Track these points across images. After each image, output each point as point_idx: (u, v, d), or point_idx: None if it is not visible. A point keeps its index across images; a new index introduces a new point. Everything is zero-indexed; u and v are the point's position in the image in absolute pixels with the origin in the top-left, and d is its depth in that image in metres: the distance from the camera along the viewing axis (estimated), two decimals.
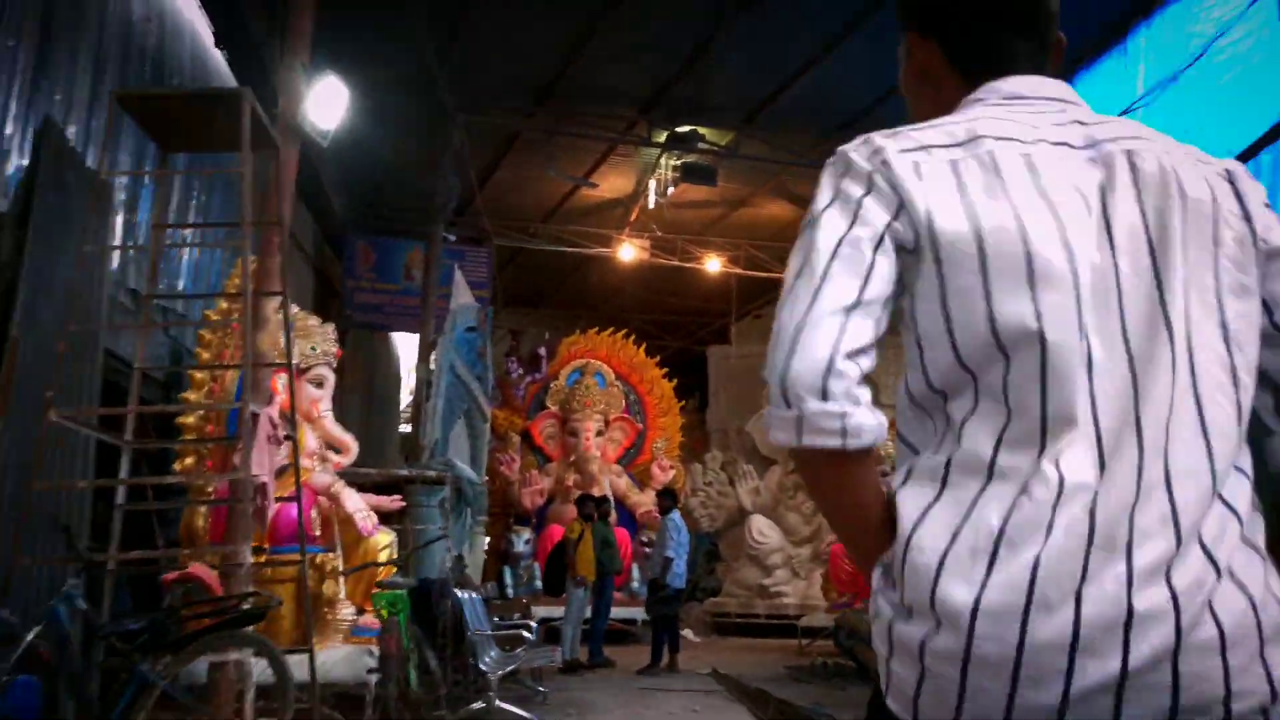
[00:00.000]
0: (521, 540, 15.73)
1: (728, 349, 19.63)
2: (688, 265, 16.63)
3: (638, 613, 14.30)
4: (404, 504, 7.77)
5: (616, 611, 13.20)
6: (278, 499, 6.21)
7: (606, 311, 20.23)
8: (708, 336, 21.57)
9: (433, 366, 10.09)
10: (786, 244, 17.86)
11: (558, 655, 7.52)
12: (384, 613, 5.29)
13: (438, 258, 11.64)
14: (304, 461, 6.99)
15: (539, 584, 15.09)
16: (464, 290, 11.61)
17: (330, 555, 6.40)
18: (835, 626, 10.66)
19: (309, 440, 7.00)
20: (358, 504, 6.57)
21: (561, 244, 16.15)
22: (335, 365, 7.38)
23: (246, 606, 4.28)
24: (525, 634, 8.31)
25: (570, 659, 10.83)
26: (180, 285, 9.07)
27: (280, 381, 7.00)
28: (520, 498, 16.03)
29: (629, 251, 16.10)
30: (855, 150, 1.22)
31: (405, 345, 17.25)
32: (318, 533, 6.65)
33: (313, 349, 7.18)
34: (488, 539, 15.54)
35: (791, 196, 16.11)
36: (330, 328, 7.38)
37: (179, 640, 4.07)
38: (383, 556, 6.90)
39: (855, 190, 1.19)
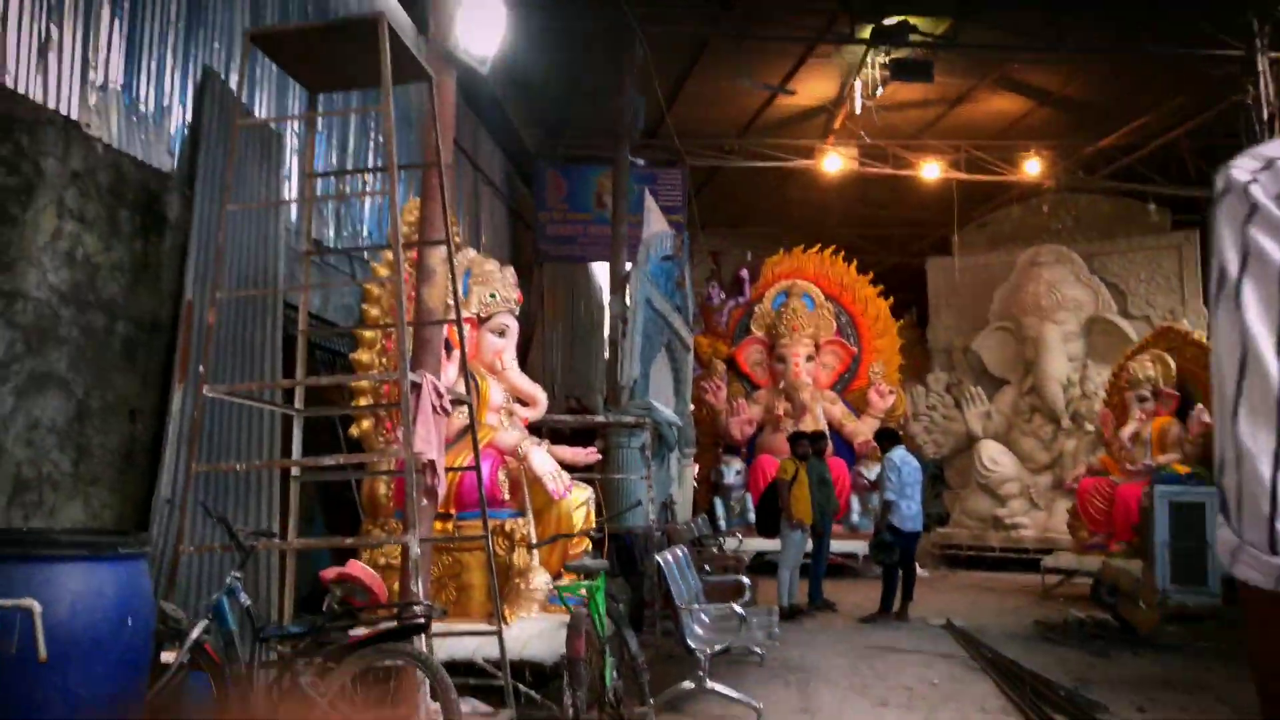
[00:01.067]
0: (732, 471, 15.10)
1: (948, 260, 17.99)
2: (901, 173, 15.12)
3: (859, 546, 13.42)
4: (600, 456, 7.18)
5: (835, 545, 12.37)
6: (454, 469, 5.74)
7: (811, 229, 18.95)
8: (926, 249, 19.90)
9: (628, 301, 9.45)
10: (1013, 141, 16.02)
11: (775, 620, 6.80)
12: (570, 607, 4.70)
13: (625, 184, 10.89)
14: (489, 418, 6.52)
15: (751, 515, 14.40)
16: (657, 217, 10.85)
17: (521, 521, 5.91)
18: (1095, 580, 9.38)
19: (494, 394, 6.50)
20: (547, 465, 6.01)
21: (760, 160, 15.01)
22: (518, 312, 6.82)
23: (412, 617, 3.77)
24: (738, 591, 7.65)
25: (789, 604, 10.14)
26: (365, 233, 8.81)
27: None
28: (729, 427, 15.34)
29: (835, 162, 14.76)
30: (1256, 181, 1.01)
31: (605, 275, 16.82)
32: (506, 496, 6.17)
33: (492, 296, 6.62)
34: (697, 467, 15.05)
35: (1019, 87, 14.25)
36: (510, 272, 6.79)
37: (339, 650, 3.62)
38: (577, 517, 6.35)
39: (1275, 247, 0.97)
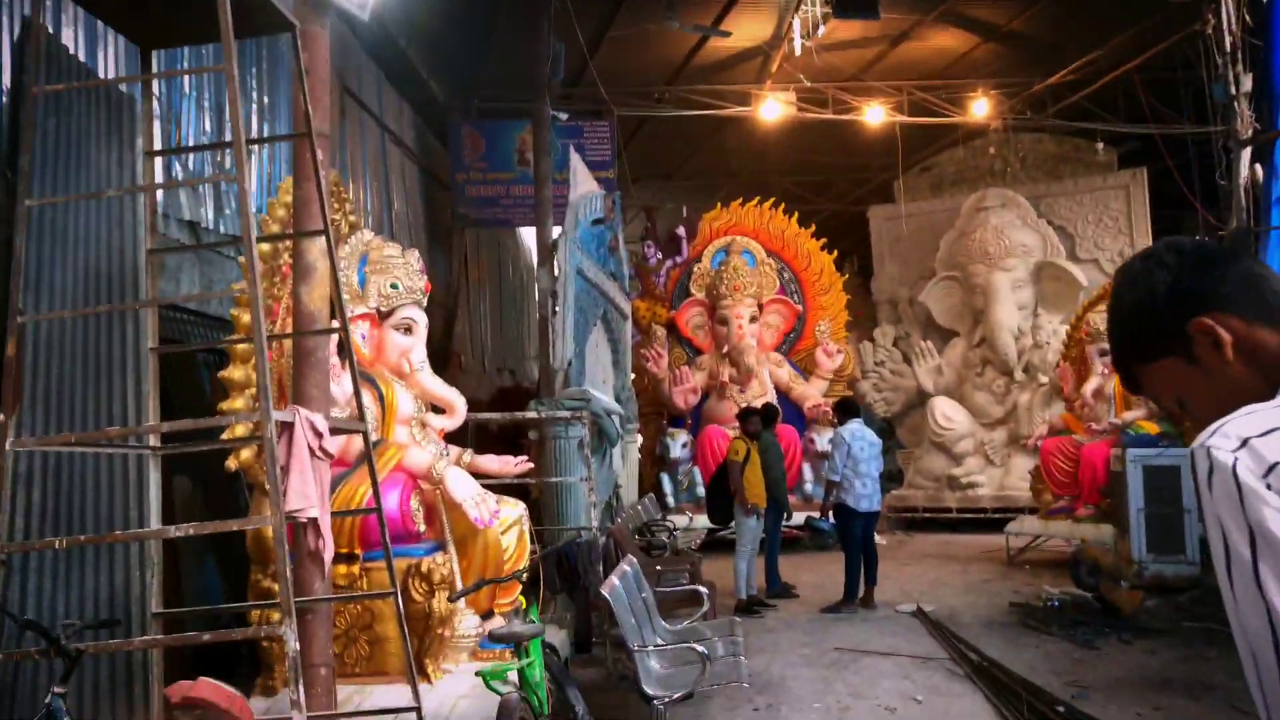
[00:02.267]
0: (678, 444, 14.25)
1: (892, 208, 17.22)
2: (842, 118, 14.22)
3: (810, 514, 12.71)
4: (531, 465, 6.24)
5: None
6: (349, 513, 4.77)
7: (749, 179, 18.04)
8: (868, 196, 19.12)
9: (556, 273, 8.47)
10: (958, 81, 15.20)
11: (738, 632, 6.01)
12: (494, 687, 3.80)
13: (546, 140, 9.79)
14: (398, 432, 5.53)
15: (701, 490, 13.61)
16: (584, 176, 9.82)
17: (440, 558, 4.96)
18: (1074, 560, 8.76)
19: (402, 403, 5.51)
20: (467, 488, 5.05)
21: (692, 107, 13.95)
22: (426, 303, 5.80)
23: None
24: (694, 599, 6.83)
25: (748, 595, 9.41)
26: (256, 210, 7.69)
27: (358, 332, 5.49)
28: (671, 397, 14.47)
29: (773, 108, 13.80)
30: (1238, 461, 1.09)
31: (533, 238, 15.74)
32: (421, 527, 5.21)
33: (394, 286, 5.59)
34: (640, 439, 14.21)
35: (965, 22, 13.43)
36: (414, 256, 5.75)
37: None
38: (508, 542, 5.42)
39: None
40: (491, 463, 5.95)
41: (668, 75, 14.05)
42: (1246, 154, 10.87)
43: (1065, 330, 13.42)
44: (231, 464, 4.86)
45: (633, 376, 13.64)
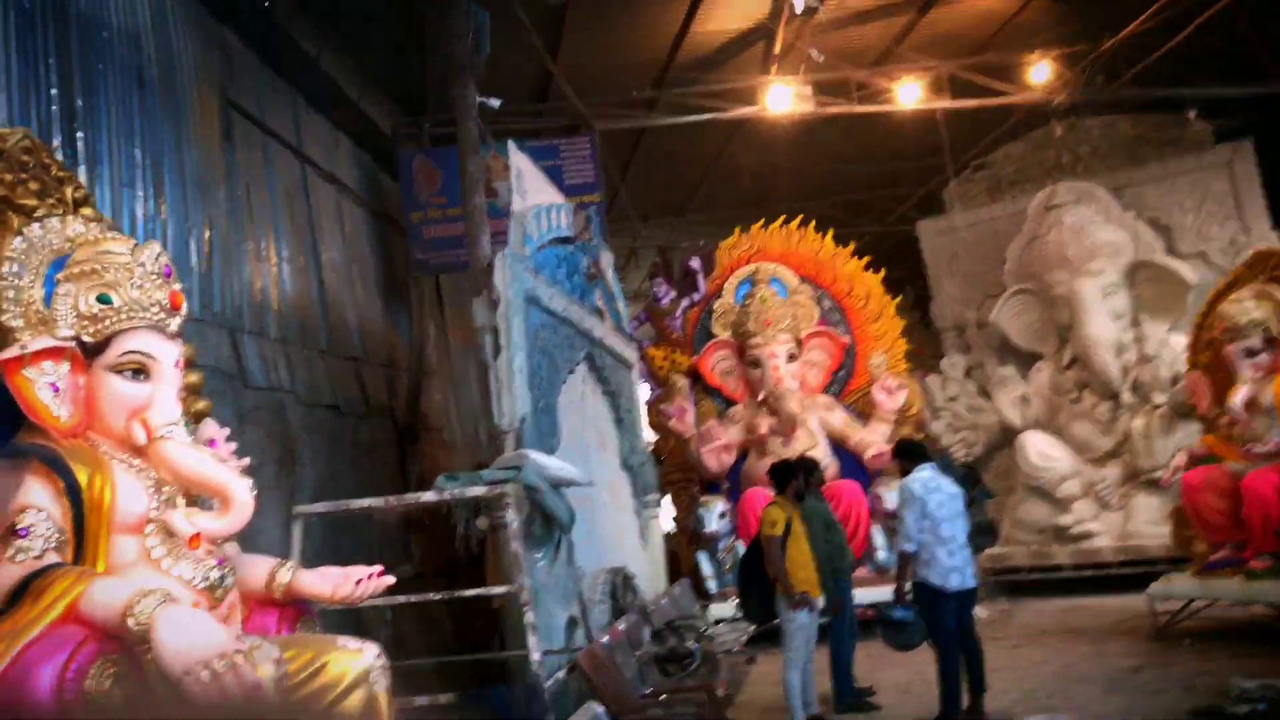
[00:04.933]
0: (714, 515, 11.61)
1: (944, 220, 14.68)
2: (871, 110, 11.85)
3: (884, 593, 9.89)
4: (389, 580, 3.73)
5: (860, 595, 8.93)
6: None
7: (772, 206, 15.69)
8: (912, 211, 16.63)
9: (497, 303, 6.17)
10: (1007, 54, 12.78)
11: None
12: None
13: (472, 135, 7.53)
14: (122, 550, 3.15)
15: None
16: (538, 184, 7.58)
17: None
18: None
19: (125, 499, 3.15)
20: (188, 648, 2.60)
21: (687, 111, 11.67)
22: (178, 327, 3.46)
23: None
24: None
25: (807, 718, 6.79)
26: None
27: (43, 382, 3.16)
28: (701, 459, 11.91)
29: (783, 96, 11.39)
30: None
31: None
32: None
33: (102, 300, 3.24)
34: (671, 512, 11.69)
35: None
36: (153, 252, 3.43)
37: None
38: None
39: None
40: (318, 583, 3.52)
41: (652, 75, 11.80)
42: None
43: (1187, 335, 10.65)
44: None
45: (650, 439, 11.20)
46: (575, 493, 7.27)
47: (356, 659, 3.28)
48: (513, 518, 4.59)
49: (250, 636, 2.96)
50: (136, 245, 3.47)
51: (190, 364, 3.80)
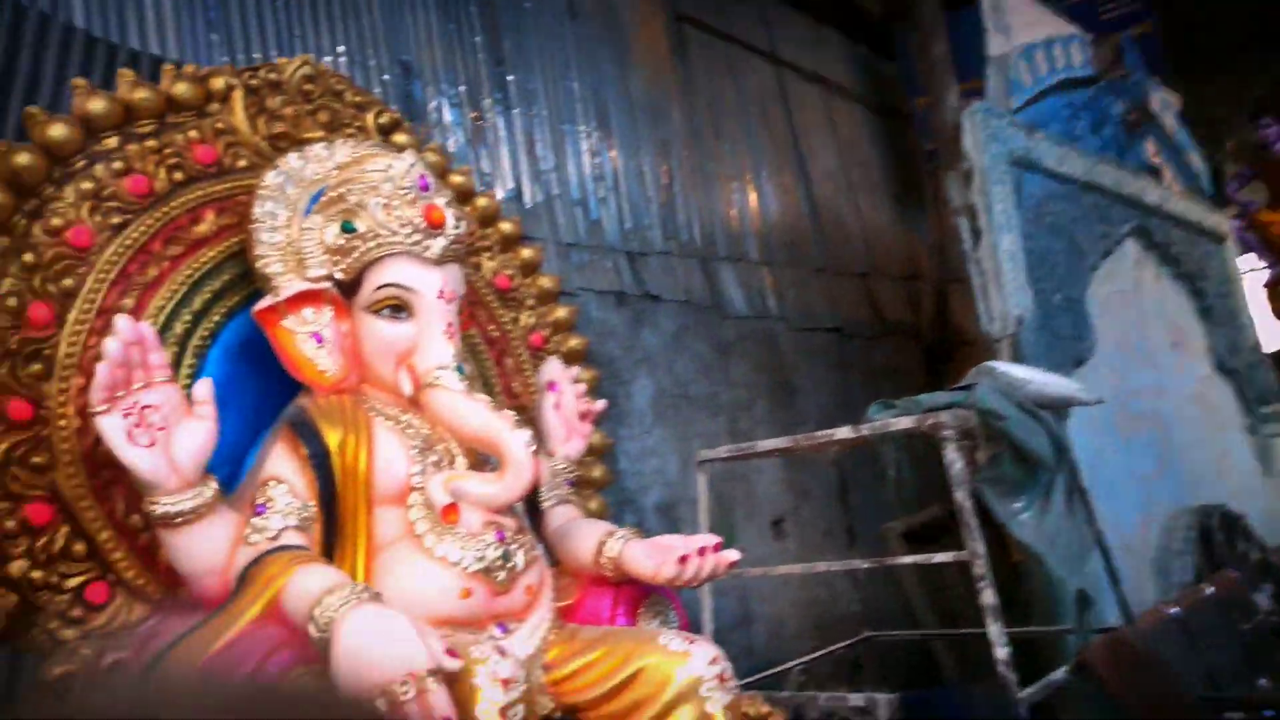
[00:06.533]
0: None
1: None
2: None
3: None
4: (735, 556, 2.69)
5: None
6: None
7: None
8: None
9: (973, 174, 4.72)
10: None
11: None
12: None
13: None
14: (384, 526, 2.59)
15: None
16: (1030, 14, 5.75)
17: None
18: None
19: (385, 465, 2.57)
20: (379, 663, 1.97)
21: None
22: (447, 251, 2.78)
23: None
24: None
25: None
26: None
27: (306, 332, 2.71)
28: None
29: None
30: None
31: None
32: None
33: (347, 228, 2.70)
34: None
35: None
36: (408, 162, 2.79)
37: None
38: None
39: None
40: (641, 558, 2.63)
41: None
42: None
43: None
44: None
45: (1255, 337, 8.44)
46: (1133, 410, 5.53)
47: (681, 665, 2.34)
48: (953, 457, 3.26)
49: (481, 648, 2.19)
50: (397, 159, 2.88)
51: (560, 295, 3.21)
